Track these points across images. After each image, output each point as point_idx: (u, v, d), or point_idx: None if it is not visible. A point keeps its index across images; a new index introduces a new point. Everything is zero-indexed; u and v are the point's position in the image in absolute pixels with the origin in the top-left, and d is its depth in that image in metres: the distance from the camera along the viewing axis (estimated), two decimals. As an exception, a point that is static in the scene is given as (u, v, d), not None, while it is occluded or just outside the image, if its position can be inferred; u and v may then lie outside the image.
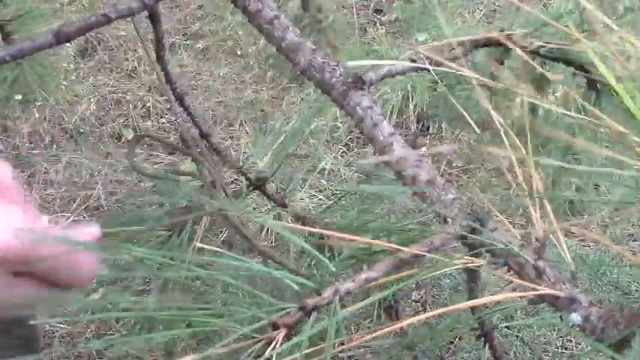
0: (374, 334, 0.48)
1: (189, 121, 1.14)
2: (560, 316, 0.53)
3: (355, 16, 3.56)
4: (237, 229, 0.67)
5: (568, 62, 0.75)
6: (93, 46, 3.43)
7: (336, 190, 2.89)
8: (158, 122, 3.16)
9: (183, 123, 0.94)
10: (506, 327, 2.27)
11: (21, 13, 1.58)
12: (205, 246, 0.37)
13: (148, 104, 3.19)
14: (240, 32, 3.55)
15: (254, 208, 2.70)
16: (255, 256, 0.77)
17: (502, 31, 0.75)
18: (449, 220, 0.50)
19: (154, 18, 0.83)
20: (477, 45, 0.73)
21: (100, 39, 3.44)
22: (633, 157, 0.51)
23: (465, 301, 0.59)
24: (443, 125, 3.08)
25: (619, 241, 2.62)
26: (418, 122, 3.15)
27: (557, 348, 2.45)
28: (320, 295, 0.41)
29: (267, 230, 2.69)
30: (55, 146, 3.01)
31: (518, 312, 2.38)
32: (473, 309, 0.70)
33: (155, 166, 2.96)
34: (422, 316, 0.48)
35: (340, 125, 3.12)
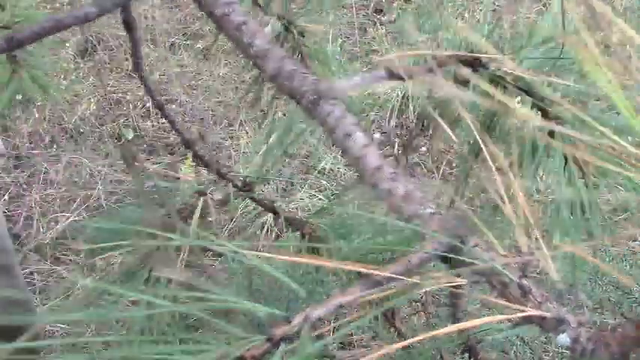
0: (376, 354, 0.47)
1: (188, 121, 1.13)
2: (548, 337, 0.52)
3: (355, 16, 3.55)
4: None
5: (529, 93, 0.72)
6: (93, 46, 3.42)
7: (336, 191, 2.88)
8: (158, 122, 3.15)
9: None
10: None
11: (18, 19, 1.57)
12: (172, 276, 0.36)
13: (147, 104, 3.19)
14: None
15: (253, 209, 2.69)
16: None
17: (471, 51, 0.73)
18: (426, 237, 0.49)
19: (128, 25, 0.81)
20: (447, 62, 0.70)
21: (100, 39, 3.43)
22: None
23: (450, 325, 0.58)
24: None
25: (618, 241, 2.61)
26: (418, 122, 3.13)
27: (558, 348, 2.44)
28: (289, 323, 0.39)
29: (268, 230, 2.68)
30: (55, 146, 3.01)
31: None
32: (460, 330, 0.69)
33: (155, 166, 2.95)
34: (404, 343, 0.47)
35: (340, 125, 3.10)
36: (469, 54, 0.64)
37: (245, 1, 1.22)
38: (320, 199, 2.87)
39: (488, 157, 0.47)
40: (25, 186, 2.87)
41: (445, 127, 0.52)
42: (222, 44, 3.52)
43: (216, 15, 0.60)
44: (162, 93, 3.25)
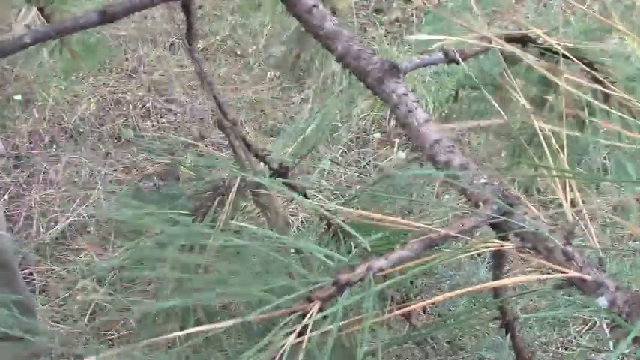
0: (392, 315, 0.48)
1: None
2: (588, 299, 0.53)
3: (355, 16, 3.57)
4: (271, 201, 0.67)
5: (579, 60, 0.75)
6: (93, 46, 3.42)
7: (336, 191, 2.88)
8: (158, 122, 3.15)
9: (221, 110, 0.94)
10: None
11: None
12: (236, 222, 0.37)
13: (147, 104, 3.19)
14: (240, 32, 3.55)
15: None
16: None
17: (520, 29, 0.76)
18: (481, 203, 0.50)
19: (187, 8, 0.83)
20: (497, 41, 0.72)
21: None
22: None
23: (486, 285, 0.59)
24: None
25: (619, 241, 2.63)
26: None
27: (558, 348, 2.45)
28: (353, 271, 0.40)
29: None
30: (55, 146, 3.00)
31: (519, 311, 2.38)
32: (496, 294, 0.70)
33: (155, 166, 2.95)
34: (440, 297, 0.47)
35: (340, 125, 3.11)
36: (517, 31, 0.67)
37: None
38: (320, 199, 2.88)
39: (540, 135, 0.48)
40: (25, 186, 2.86)
41: (497, 107, 0.53)
42: (222, 44, 3.53)
43: (290, 0, 0.63)
44: (163, 93, 3.25)
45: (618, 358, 0.49)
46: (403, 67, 0.59)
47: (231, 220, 0.74)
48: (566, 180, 0.50)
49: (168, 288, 0.65)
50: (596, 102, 0.54)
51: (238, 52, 3.51)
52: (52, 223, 2.73)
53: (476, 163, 0.53)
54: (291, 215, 2.58)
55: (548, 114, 0.70)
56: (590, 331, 2.44)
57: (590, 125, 0.66)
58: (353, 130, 3.16)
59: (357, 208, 0.88)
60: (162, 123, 3.15)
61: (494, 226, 0.51)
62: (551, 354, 2.43)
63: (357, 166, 3.05)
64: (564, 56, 0.66)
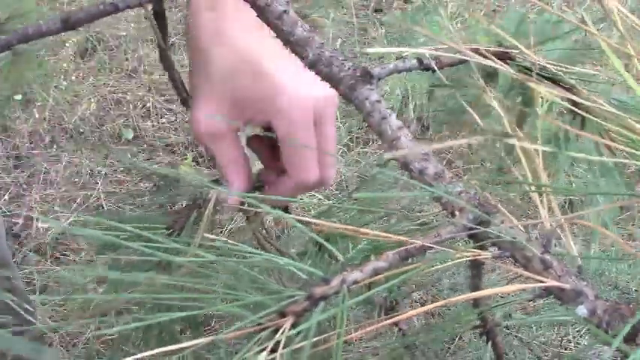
0: (376, 326, 0.48)
1: (189, 121, 1.14)
2: (567, 309, 0.53)
3: (355, 16, 3.57)
4: (245, 212, 0.68)
5: (558, 83, 0.74)
6: (93, 46, 3.43)
7: (336, 191, 2.89)
8: (158, 122, 3.16)
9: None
10: (505, 327, 2.27)
11: (17, 13, 1.58)
12: (211, 236, 0.38)
13: (148, 104, 3.19)
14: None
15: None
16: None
17: (500, 45, 0.76)
18: (456, 212, 0.50)
19: (158, 13, 0.83)
20: (475, 54, 0.72)
21: (100, 39, 3.44)
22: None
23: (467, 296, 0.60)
24: (444, 128, 3.09)
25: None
26: (419, 123, 3.15)
27: (557, 348, 2.45)
28: (328, 284, 0.41)
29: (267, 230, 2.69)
30: (55, 146, 3.01)
31: (517, 312, 2.38)
32: (476, 304, 0.71)
33: (155, 165, 2.96)
34: (424, 308, 0.48)
35: (340, 125, 3.12)
36: (497, 47, 0.67)
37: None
38: (319, 199, 2.88)
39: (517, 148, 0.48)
40: (25, 186, 2.87)
41: (476, 117, 0.54)
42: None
43: (259, 5, 0.62)
44: (163, 93, 3.26)
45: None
46: (376, 73, 0.59)
47: (211, 232, 0.74)
48: (544, 192, 0.50)
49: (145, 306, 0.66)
50: (571, 129, 0.54)
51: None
52: (54, 221, 2.74)
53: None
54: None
55: (526, 128, 0.70)
56: (590, 331, 2.44)
57: (565, 140, 0.66)
58: (353, 130, 3.16)
59: (343, 218, 0.89)
60: (163, 123, 3.16)
61: (472, 235, 0.51)
62: (550, 354, 2.43)
63: (357, 166, 3.05)
64: (543, 77, 0.67)
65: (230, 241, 0.38)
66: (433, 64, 0.64)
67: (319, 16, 3.36)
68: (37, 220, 2.67)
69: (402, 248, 0.44)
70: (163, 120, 3.18)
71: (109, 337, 2.34)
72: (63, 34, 3.12)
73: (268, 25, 0.63)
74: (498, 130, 0.50)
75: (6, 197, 2.80)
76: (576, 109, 0.60)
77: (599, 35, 0.52)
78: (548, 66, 0.63)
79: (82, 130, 3.08)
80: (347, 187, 2.94)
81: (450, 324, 0.61)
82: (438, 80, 0.68)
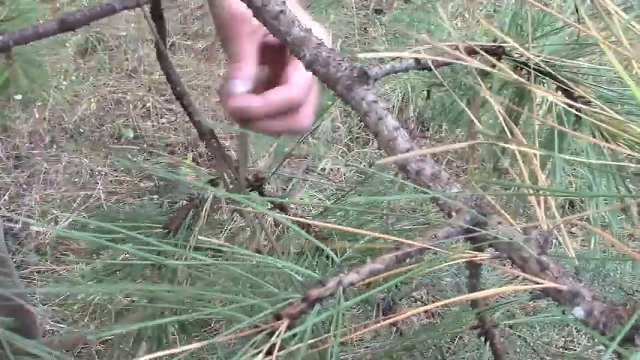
0: (372, 327, 0.48)
1: (188, 121, 1.14)
2: (563, 311, 0.53)
3: (355, 16, 3.57)
4: (241, 212, 0.67)
5: (553, 78, 0.74)
6: (93, 46, 3.43)
7: (336, 191, 2.89)
8: (158, 122, 3.16)
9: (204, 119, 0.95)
10: (509, 327, 2.27)
11: (16, 14, 1.58)
12: (206, 238, 0.37)
13: (147, 104, 3.19)
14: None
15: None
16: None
17: (495, 41, 0.75)
18: (453, 213, 0.50)
19: (155, 13, 0.83)
20: (471, 51, 0.72)
21: (100, 39, 3.44)
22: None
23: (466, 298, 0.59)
24: (443, 126, 3.08)
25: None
26: (418, 123, 3.15)
27: (559, 348, 2.45)
28: (324, 286, 0.40)
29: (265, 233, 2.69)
30: (55, 146, 3.01)
31: (519, 312, 2.38)
32: (474, 305, 0.70)
33: (155, 165, 2.96)
34: (421, 309, 0.48)
35: (340, 125, 3.12)
36: (492, 43, 0.67)
37: None
38: (320, 199, 2.88)
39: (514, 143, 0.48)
40: (25, 186, 2.87)
41: (471, 115, 0.53)
42: (222, 44, 3.52)
43: (255, 4, 0.62)
44: (163, 93, 3.26)
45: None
46: (373, 73, 0.59)
47: (210, 232, 0.74)
48: (542, 195, 0.50)
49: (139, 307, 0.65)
50: (565, 129, 0.54)
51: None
52: (52, 223, 2.74)
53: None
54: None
55: (522, 128, 0.70)
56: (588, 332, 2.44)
57: (562, 140, 0.66)
58: (353, 130, 3.16)
59: (336, 219, 0.89)
60: (163, 123, 3.16)
61: (469, 236, 0.51)
62: (552, 354, 2.43)
63: (357, 166, 3.05)
64: (539, 72, 0.66)
65: (226, 244, 0.38)
66: (430, 63, 0.63)
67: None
68: (31, 225, 2.67)
69: (398, 250, 0.44)
70: (163, 120, 3.18)
71: (109, 338, 2.34)
72: (63, 34, 3.12)
73: (265, 25, 0.63)
74: (495, 129, 0.50)
75: (6, 197, 2.80)
76: (572, 102, 0.60)
77: (596, 32, 0.52)
78: (542, 61, 0.63)
79: (82, 130, 3.08)
80: (347, 187, 2.94)
81: (448, 324, 0.61)
82: (437, 78, 0.68)
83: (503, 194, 0.53)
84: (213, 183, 0.92)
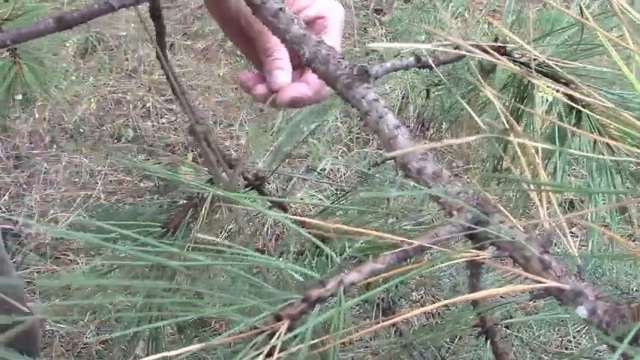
0: (373, 328, 0.48)
1: (188, 121, 1.13)
2: (566, 310, 0.52)
3: (355, 16, 3.56)
4: (238, 214, 0.67)
5: (555, 79, 0.74)
6: (93, 46, 3.42)
7: (336, 191, 2.88)
8: (158, 122, 3.15)
9: (199, 118, 0.95)
10: (506, 327, 2.27)
11: (19, 12, 1.58)
12: (204, 236, 0.37)
13: (147, 104, 3.19)
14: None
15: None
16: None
17: (496, 40, 0.75)
18: (454, 212, 0.50)
19: (154, 13, 0.82)
20: (472, 50, 0.72)
21: (100, 39, 3.44)
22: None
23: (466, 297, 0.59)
24: (442, 126, 3.08)
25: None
26: (418, 122, 3.15)
27: (557, 348, 2.45)
28: (324, 286, 0.40)
29: (266, 232, 2.69)
30: (55, 146, 3.01)
31: (520, 312, 2.38)
32: (474, 305, 0.70)
33: (155, 166, 2.95)
34: (422, 309, 0.47)
35: (340, 125, 3.11)
36: (494, 43, 0.66)
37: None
38: (320, 199, 2.88)
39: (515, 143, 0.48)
40: (25, 186, 2.86)
41: (473, 114, 0.53)
42: (223, 44, 3.53)
43: (254, 2, 0.62)
44: (163, 93, 3.26)
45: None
46: (373, 72, 0.58)
47: (207, 233, 0.74)
48: (543, 191, 0.50)
49: (138, 305, 0.65)
50: (568, 127, 0.54)
51: (238, 52, 3.50)
52: (52, 223, 2.73)
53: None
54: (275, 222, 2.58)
55: (524, 129, 0.70)
56: (590, 331, 2.44)
57: (564, 141, 0.66)
58: (353, 130, 3.16)
59: (342, 218, 0.88)
60: (163, 123, 3.16)
61: (470, 235, 0.50)
62: (550, 354, 2.42)
63: (357, 166, 3.05)
64: (541, 72, 0.66)
65: (226, 242, 0.37)
66: (430, 61, 0.63)
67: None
68: (31, 225, 2.67)
69: (399, 249, 0.44)
70: (163, 120, 3.18)
71: (109, 338, 2.34)
72: (63, 34, 3.12)
73: (264, 23, 0.62)
74: (496, 127, 0.50)
75: (6, 197, 2.79)
76: (574, 105, 0.59)
77: (599, 29, 0.52)
78: (545, 61, 0.63)
79: (82, 130, 3.08)
80: (346, 187, 2.94)
81: (449, 324, 0.60)
82: (437, 78, 0.68)
83: (505, 189, 0.52)
84: (212, 182, 0.92)
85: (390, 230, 0.89)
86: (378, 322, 0.51)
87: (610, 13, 0.50)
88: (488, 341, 0.75)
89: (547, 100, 0.72)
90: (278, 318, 0.39)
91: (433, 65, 0.62)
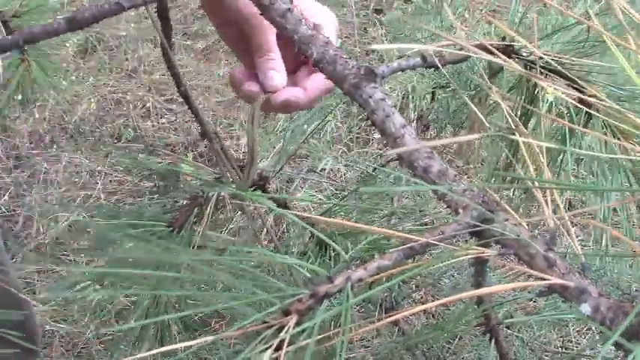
0: (378, 324, 0.48)
1: (192, 120, 1.14)
2: (570, 307, 0.53)
3: (355, 16, 3.57)
4: (244, 210, 0.67)
5: (563, 76, 0.74)
6: (93, 46, 3.42)
7: (336, 190, 2.89)
8: (158, 122, 3.15)
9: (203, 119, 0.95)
10: (506, 327, 2.27)
11: (26, 9, 1.58)
12: (213, 232, 0.37)
13: (147, 104, 3.19)
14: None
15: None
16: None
17: (503, 39, 0.75)
18: (460, 210, 0.50)
19: (161, 13, 0.83)
20: (479, 51, 0.72)
21: (100, 39, 3.44)
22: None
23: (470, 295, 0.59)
24: (446, 127, 3.08)
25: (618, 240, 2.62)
26: (418, 123, 3.15)
27: (558, 348, 2.45)
28: (332, 282, 0.40)
29: (267, 230, 2.68)
30: (55, 146, 3.01)
31: (520, 312, 2.38)
32: (479, 302, 0.70)
33: (158, 164, 2.95)
34: (425, 306, 0.48)
35: (340, 125, 3.12)
36: (501, 42, 0.67)
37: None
38: (320, 199, 2.88)
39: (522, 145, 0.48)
40: (25, 186, 2.86)
41: (479, 114, 0.53)
42: (223, 44, 3.53)
43: (263, 2, 0.63)
44: (163, 93, 3.26)
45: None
46: (380, 72, 0.59)
47: (213, 231, 0.74)
48: (548, 188, 0.50)
49: (144, 303, 0.65)
50: (576, 127, 0.54)
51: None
52: (52, 223, 2.73)
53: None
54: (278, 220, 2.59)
55: (531, 131, 0.70)
56: (590, 331, 2.44)
57: (572, 136, 0.66)
58: (353, 130, 3.16)
59: (346, 215, 0.88)
60: (163, 123, 3.16)
61: (475, 233, 0.51)
62: (550, 354, 2.43)
63: (357, 166, 3.05)
64: (549, 70, 0.66)
65: (233, 239, 0.37)
66: (437, 62, 0.64)
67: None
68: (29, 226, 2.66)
69: (405, 246, 0.44)
70: (163, 120, 3.18)
71: (109, 337, 2.34)
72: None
73: (272, 24, 0.63)
74: (502, 126, 0.50)
75: (6, 197, 2.80)
76: (581, 106, 0.59)
77: (601, 28, 0.52)
78: (552, 60, 0.63)
79: (82, 130, 3.08)
80: (347, 187, 2.94)
81: (453, 322, 0.60)
82: (443, 79, 0.68)
83: (506, 188, 0.53)
84: (218, 181, 0.92)
85: (394, 229, 0.89)
86: (381, 320, 0.51)
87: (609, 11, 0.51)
88: (492, 340, 0.75)
89: (552, 103, 0.72)
90: (286, 313, 0.40)
91: (440, 65, 0.63)
